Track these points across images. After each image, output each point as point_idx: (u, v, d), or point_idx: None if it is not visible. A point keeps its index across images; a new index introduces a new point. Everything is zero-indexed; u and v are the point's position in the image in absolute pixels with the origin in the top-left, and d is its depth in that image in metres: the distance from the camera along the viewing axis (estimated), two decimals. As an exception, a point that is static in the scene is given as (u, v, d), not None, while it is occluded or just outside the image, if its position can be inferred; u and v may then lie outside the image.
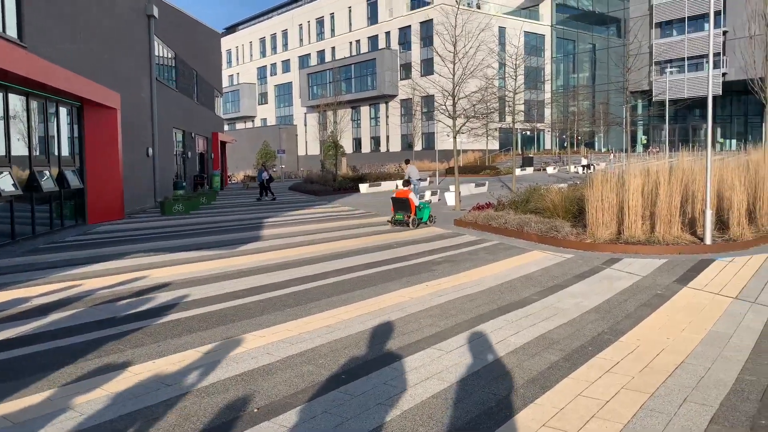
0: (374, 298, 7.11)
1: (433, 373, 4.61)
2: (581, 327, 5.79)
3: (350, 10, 67.97)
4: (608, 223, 10.93)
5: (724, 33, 47.76)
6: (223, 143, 39.23)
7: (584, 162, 39.70)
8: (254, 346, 5.32)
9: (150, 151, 21.22)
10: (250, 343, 5.43)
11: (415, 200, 14.55)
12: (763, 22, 27.30)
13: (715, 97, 48.64)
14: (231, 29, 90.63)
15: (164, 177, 23.10)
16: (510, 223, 12.53)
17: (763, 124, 47.88)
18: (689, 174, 11.88)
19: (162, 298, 7.24)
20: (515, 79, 26.56)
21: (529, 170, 41.63)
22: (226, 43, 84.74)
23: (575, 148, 55.32)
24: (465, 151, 47.30)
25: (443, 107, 19.09)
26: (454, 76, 18.22)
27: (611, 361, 4.80)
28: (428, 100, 41.33)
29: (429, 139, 54.28)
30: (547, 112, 59.26)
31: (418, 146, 52.73)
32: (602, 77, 62.52)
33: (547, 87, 61.12)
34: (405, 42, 60.58)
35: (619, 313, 6.31)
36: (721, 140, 54.62)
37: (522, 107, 36.96)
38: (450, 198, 19.04)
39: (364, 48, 66.29)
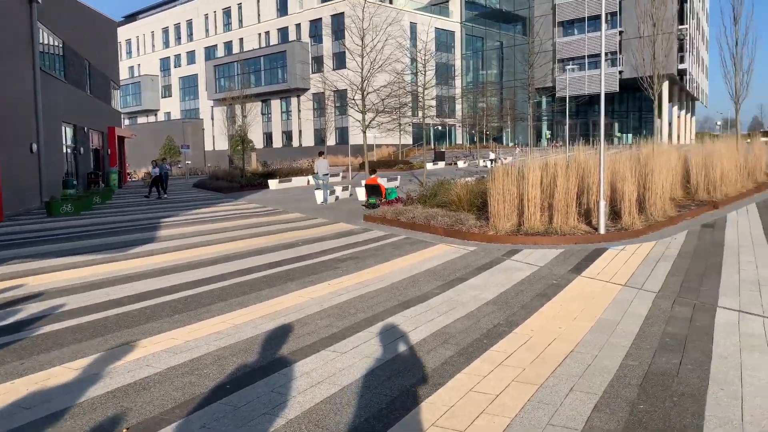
0: (271, 300, 6.80)
1: (325, 376, 4.40)
2: (478, 320, 5.80)
3: (259, 1, 66.25)
4: (509, 215, 11.21)
5: (620, 33, 50.94)
6: (122, 138, 36.90)
7: (492, 156, 41.02)
8: (133, 358, 4.87)
9: (34, 147, 19.47)
10: (129, 355, 4.97)
11: (385, 184, 16.80)
12: (651, 23, 29.37)
13: (612, 94, 52.48)
14: (131, 18, 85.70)
15: (52, 175, 21.28)
16: (418, 218, 12.58)
17: (656, 120, 51.88)
18: (585, 167, 12.47)
19: (33, 309, 6.53)
20: (425, 75, 26.90)
21: (441, 164, 42.41)
22: (126, 32, 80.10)
23: (484, 143, 57.10)
24: (379, 146, 47.49)
25: (353, 101, 18.95)
26: (362, 69, 18.11)
27: (505, 353, 4.81)
28: (341, 94, 41.12)
29: (342, 133, 54.03)
30: (458, 107, 60.75)
31: (331, 141, 52.32)
32: (509, 74, 64.95)
33: (458, 83, 62.63)
34: (316, 35, 59.89)
35: (515, 303, 6.39)
36: (619, 134, 58.40)
37: (433, 102, 37.47)
38: (361, 193, 18.91)
39: (274, 40, 64.89)
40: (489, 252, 9.65)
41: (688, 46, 53.23)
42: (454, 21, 67.93)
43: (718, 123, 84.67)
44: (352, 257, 9.55)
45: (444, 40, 65.21)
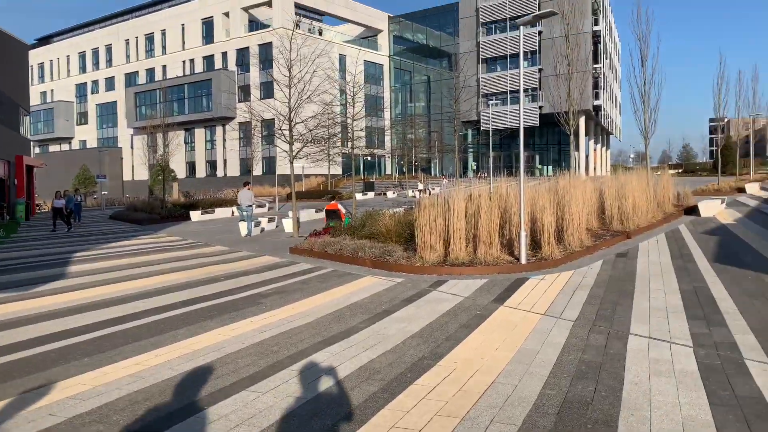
0: (189, 339, 6.50)
1: (244, 418, 4.22)
2: (403, 353, 5.78)
3: (184, 28, 65.07)
4: (436, 246, 11.36)
5: (540, 70, 53.78)
6: (30, 167, 34.73)
7: (420, 186, 41.79)
8: (34, 408, 4.49)
9: (-71, 176, 17.95)
10: (29, 404, 4.57)
11: (343, 210, 17.44)
12: (566, 63, 31.28)
13: (532, 128, 55.02)
14: (44, 40, 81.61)
15: (-50, 206, 19.63)
16: (345, 249, 12.50)
17: (574, 153, 54.76)
18: (507, 198, 12.87)
19: None
20: (353, 106, 27.19)
21: (371, 195, 42.75)
22: (38, 55, 76.34)
23: (413, 173, 58.17)
24: (308, 176, 47.29)
25: (280, 132, 18.79)
26: (290, 100, 18.04)
27: (428, 387, 4.81)
28: (269, 123, 40.76)
29: (270, 163, 53.39)
30: (387, 138, 61.73)
31: (258, 170, 51.60)
32: (437, 107, 66.94)
33: (387, 114, 63.78)
34: (243, 63, 59.37)
35: (440, 336, 6.44)
36: (540, 167, 61.10)
37: (363, 133, 37.85)
38: (288, 225, 18.65)
39: (199, 68, 63.74)
40: (416, 284, 9.72)
41: (602, 84, 56.86)
42: (382, 54, 69.59)
43: (632, 156, 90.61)
44: (276, 292, 9.33)
45: (373, 72, 66.57)
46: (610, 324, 6.80)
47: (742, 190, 29.40)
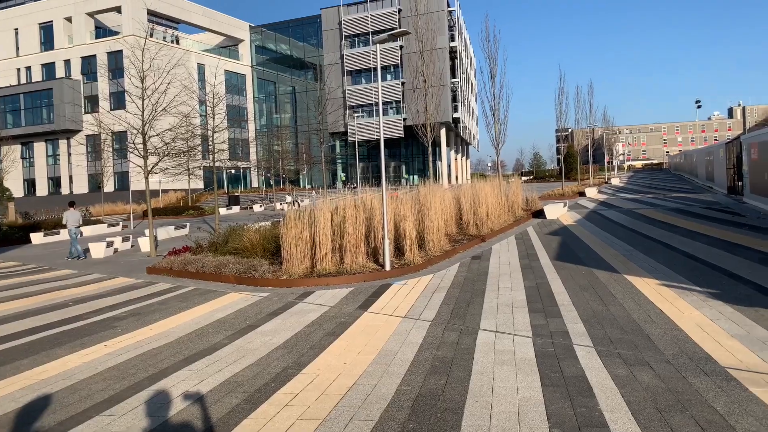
0: (35, 369, 6.01)
1: (96, 448, 4.02)
2: (267, 365, 5.82)
3: (17, 33, 58.83)
4: (302, 258, 11.44)
5: (402, 83, 55.89)
6: None
7: (289, 199, 41.49)
8: None
9: None
10: None
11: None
12: (422, 78, 32.98)
13: (398, 139, 56.97)
14: None
15: None
16: (208, 266, 12.14)
17: (437, 163, 57.62)
18: (372, 208, 13.28)
19: None
20: (213, 118, 26.35)
21: (236, 209, 41.58)
22: None
23: (281, 186, 57.53)
24: (166, 191, 44.86)
25: (132, 145, 17.73)
26: (143, 112, 17.11)
27: (291, 394, 4.91)
28: (121, 136, 38.16)
29: (123, 178, 49.88)
30: (253, 150, 60.46)
31: (109, 187, 48.02)
32: (303, 118, 66.90)
33: (251, 126, 62.46)
34: (90, 72, 55.00)
35: (305, 345, 6.55)
36: (406, 176, 63.40)
37: (225, 146, 36.80)
38: (144, 243, 17.62)
39: (37, 76, 57.94)
40: (282, 297, 9.72)
41: (460, 98, 60.43)
42: (244, 64, 68.18)
43: (489, 164, 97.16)
44: (132, 314, 8.84)
45: (235, 82, 64.93)
46: (463, 321, 7.36)
47: (582, 194, 32.99)
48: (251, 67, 68.79)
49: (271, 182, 56.12)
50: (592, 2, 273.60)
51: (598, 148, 68.30)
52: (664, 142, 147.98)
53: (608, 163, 67.34)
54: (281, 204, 41.36)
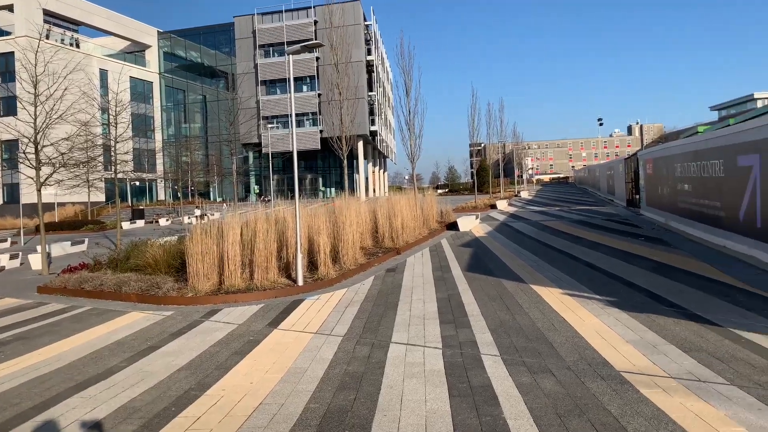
0: None
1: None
2: (168, 388, 5.49)
3: None
4: (210, 275, 10.98)
5: (319, 95, 55.49)
6: None
7: (198, 212, 39.94)
8: None
9: None
10: None
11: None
12: (337, 91, 33.05)
13: (315, 151, 56.48)
14: None
15: None
16: (107, 284, 11.38)
17: (354, 175, 57.70)
18: (285, 222, 12.96)
19: None
20: (116, 127, 24.95)
21: (141, 223, 39.48)
22: None
23: (190, 198, 55.33)
24: (63, 204, 41.92)
25: (23, 155, 16.40)
26: (35, 120, 15.89)
27: (193, 417, 4.66)
28: (12, 145, 35.19)
29: (13, 190, 46.05)
30: (159, 161, 57.80)
31: (-2, 199, 44.21)
32: (214, 128, 64.83)
33: (158, 136, 59.81)
34: (-23, 75, 50.56)
35: (210, 365, 6.25)
36: (323, 189, 62.90)
37: (129, 157, 34.91)
38: (35, 261, 16.28)
39: None
40: (187, 315, 9.27)
41: (377, 111, 60.89)
42: (151, 71, 65.32)
43: (406, 177, 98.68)
44: (19, 338, 8.10)
45: (141, 90, 61.99)
46: (375, 335, 7.33)
47: (494, 207, 34.22)
48: (159, 74, 66.05)
49: (179, 195, 53.87)
50: (514, 23, 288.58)
51: (509, 162, 71.30)
52: (570, 157, 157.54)
53: (518, 176, 70.47)
54: (189, 218, 39.76)
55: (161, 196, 62.75)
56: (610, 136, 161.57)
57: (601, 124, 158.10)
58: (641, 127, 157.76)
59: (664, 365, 5.41)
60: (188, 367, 6.21)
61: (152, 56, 66.00)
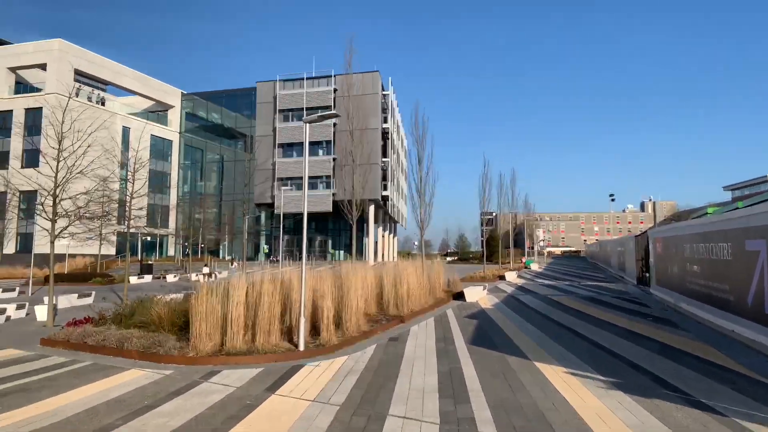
0: None
1: None
2: (161, 453, 5.43)
3: None
4: (212, 335, 10.94)
5: (334, 159, 56.64)
6: None
7: (206, 270, 40.05)
8: None
9: None
10: None
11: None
12: (350, 158, 33.79)
13: (326, 213, 57.09)
14: None
15: None
16: (109, 340, 11.37)
17: (363, 239, 57.95)
18: (290, 284, 12.99)
19: None
20: (133, 183, 25.57)
21: (148, 278, 39.55)
22: None
23: (199, 255, 55.60)
24: (74, 255, 42.32)
25: (41, 207, 16.77)
26: (56, 174, 16.36)
27: (183, 488, 4.58)
28: (31, 196, 36.06)
29: (26, 240, 46.65)
30: (172, 217, 58.59)
31: (10, 248, 44.76)
32: (229, 187, 66.01)
33: (174, 192, 60.91)
34: (3, 128, 52.35)
35: (204, 429, 6.20)
36: (332, 251, 62.99)
37: (143, 212, 35.50)
38: (41, 312, 16.33)
39: (-54, 127, 54.51)
40: (186, 375, 9.21)
41: (390, 176, 61.79)
42: (172, 130, 67.37)
43: (416, 243, 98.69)
44: (19, 389, 8.08)
45: (161, 147, 63.79)
46: (373, 406, 7.23)
47: (503, 278, 33.92)
48: (180, 133, 68.10)
49: (188, 251, 54.20)
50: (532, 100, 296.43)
51: (519, 233, 71.35)
52: (582, 231, 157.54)
53: (529, 248, 70.20)
54: (197, 275, 39.84)
55: (171, 252, 63.18)
56: (623, 211, 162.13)
57: (612, 200, 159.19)
58: (654, 203, 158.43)
59: (665, 454, 5.30)
60: (183, 430, 6.15)
61: (174, 115, 68.29)
